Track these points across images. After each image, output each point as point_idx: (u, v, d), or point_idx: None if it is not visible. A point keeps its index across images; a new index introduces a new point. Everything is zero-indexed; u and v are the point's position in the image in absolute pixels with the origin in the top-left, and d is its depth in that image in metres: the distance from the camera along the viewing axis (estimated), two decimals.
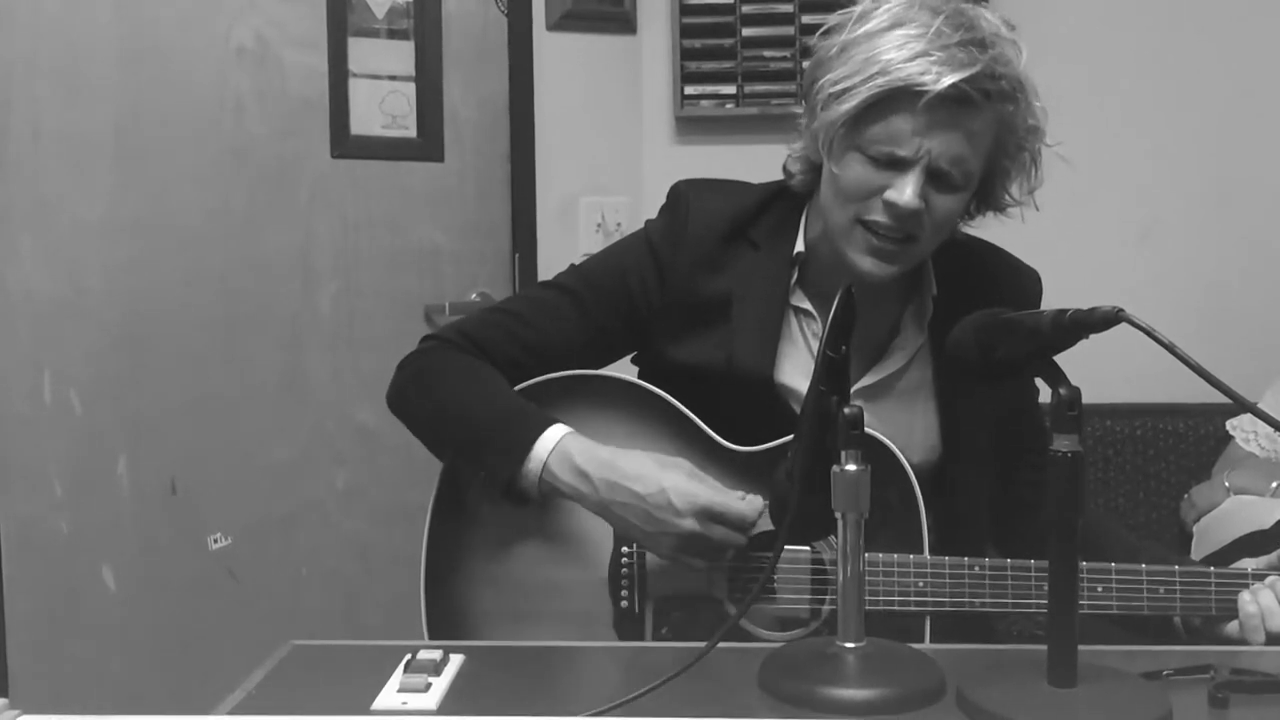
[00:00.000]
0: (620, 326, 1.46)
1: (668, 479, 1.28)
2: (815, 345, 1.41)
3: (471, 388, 1.40)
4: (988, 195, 1.39)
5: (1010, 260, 1.52)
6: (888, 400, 1.44)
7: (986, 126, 1.30)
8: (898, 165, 1.29)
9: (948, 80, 1.23)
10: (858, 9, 1.32)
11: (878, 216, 1.31)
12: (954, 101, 1.25)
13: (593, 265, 1.49)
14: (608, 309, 1.45)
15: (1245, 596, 1.29)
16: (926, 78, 1.23)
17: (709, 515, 1.27)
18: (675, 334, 1.43)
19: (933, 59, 1.24)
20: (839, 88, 1.28)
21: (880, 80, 1.25)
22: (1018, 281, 1.50)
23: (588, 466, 1.30)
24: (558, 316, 1.45)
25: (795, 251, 1.43)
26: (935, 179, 1.29)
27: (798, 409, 1.35)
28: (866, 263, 1.33)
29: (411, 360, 1.46)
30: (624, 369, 1.48)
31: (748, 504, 1.28)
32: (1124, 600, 1.30)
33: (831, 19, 1.35)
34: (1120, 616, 1.31)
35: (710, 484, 1.29)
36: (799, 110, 1.41)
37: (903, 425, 1.42)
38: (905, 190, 1.28)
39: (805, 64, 1.42)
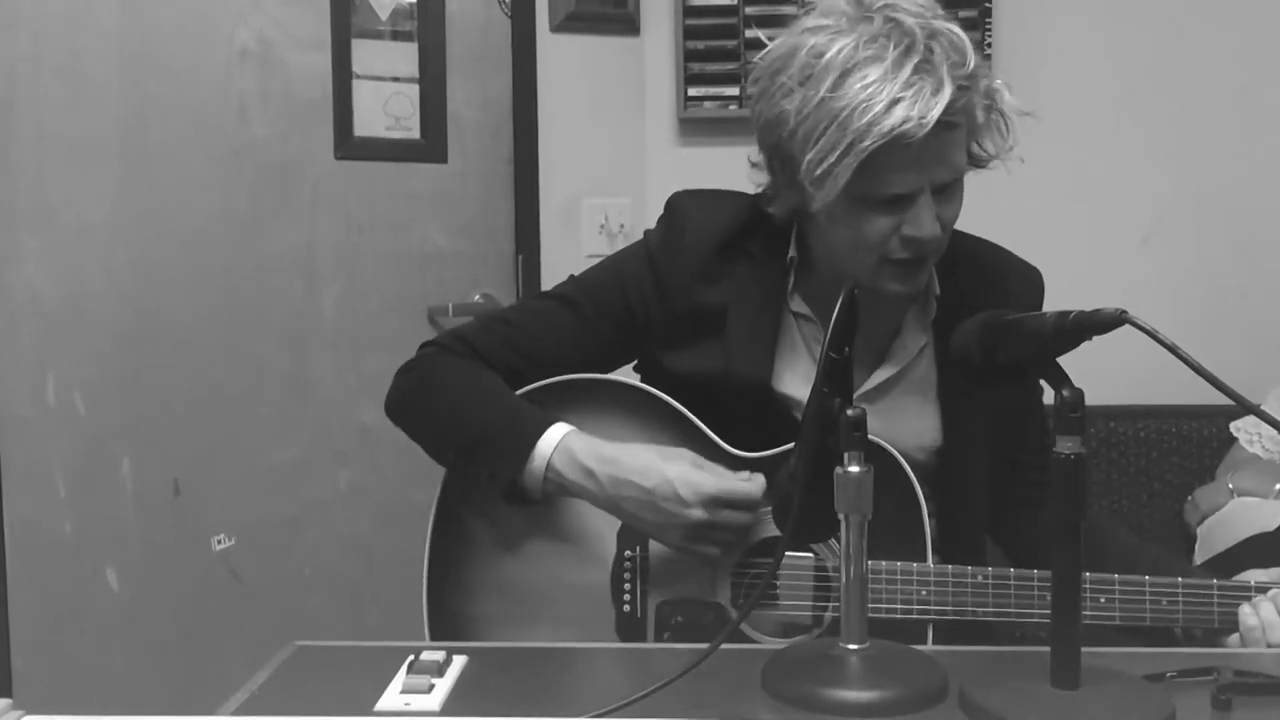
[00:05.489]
0: (618, 336, 1.46)
1: (672, 470, 1.29)
2: (816, 350, 1.41)
3: (472, 390, 1.41)
4: (969, 158, 1.36)
5: (1012, 259, 1.52)
6: (892, 400, 1.44)
7: (963, 125, 1.30)
8: (906, 199, 1.28)
9: (932, 117, 1.21)
10: (797, 65, 1.26)
11: (901, 254, 1.31)
12: (940, 128, 1.23)
13: (592, 275, 1.49)
14: (606, 319, 1.45)
15: (1246, 609, 1.29)
16: (909, 125, 1.20)
17: (715, 502, 1.28)
18: (673, 344, 1.43)
19: (905, 101, 1.20)
20: (822, 169, 1.25)
21: (863, 145, 1.22)
22: (1020, 280, 1.50)
23: (592, 463, 1.30)
24: (556, 326, 1.45)
25: (789, 257, 1.43)
26: (940, 192, 1.30)
27: (798, 415, 1.35)
28: (897, 287, 1.35)
29: (411, 367, 1.47)
30: (626, 375, 1.48)
31: (753, 484, 1.29)
32: (1127, 611, 1.30)
33: (760, 64, 1.31)
34: (1122, 626, 1.31)
35: (713, 469, 1.30)
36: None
37: (906, 425, 1.42)
38: (924, 225, 1.28)
39: (750, 91, 1.36)
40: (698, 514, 1.27)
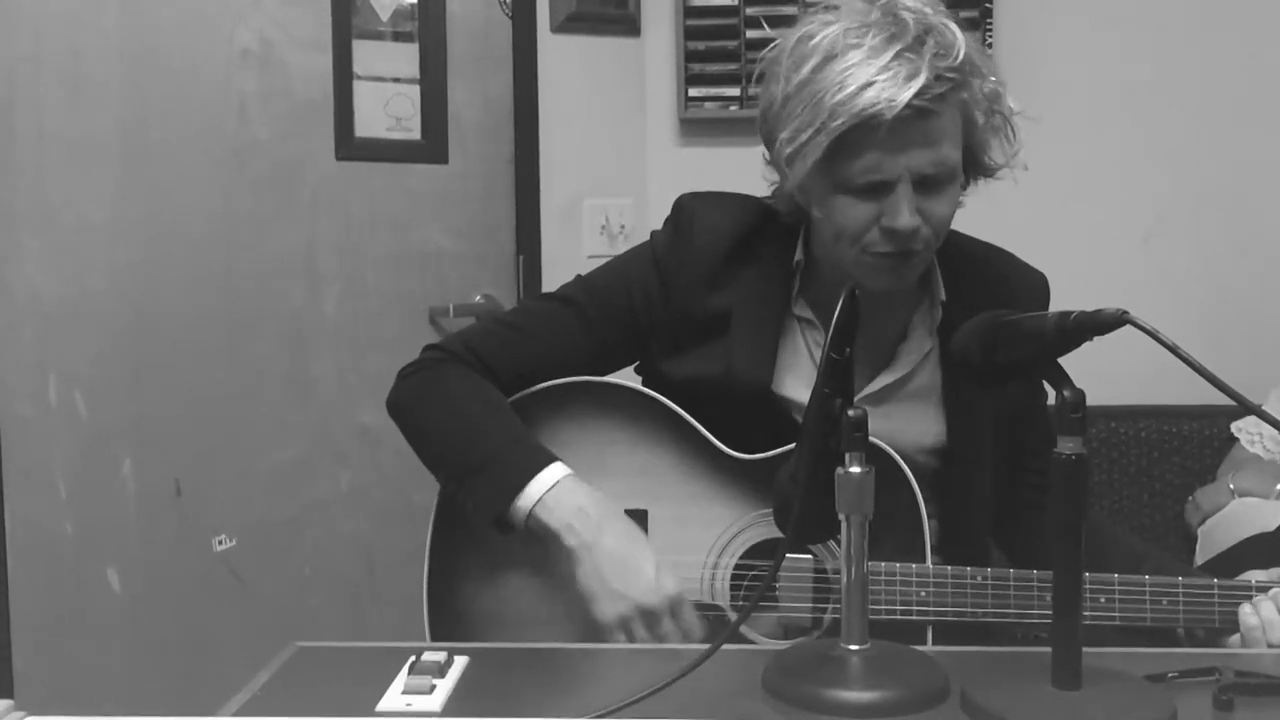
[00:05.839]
0: (622, 339, 1.45)
1: (655, 555, 1.29)
2: (818, 354, 1.41)
3: (471, 411, 1.39)
4: (973, 165, 1.37)
5: (1018, 264, 1.51)
6: (897, 404, 1.43)
7: (952, 118, 1.29)
8: (884, 188, 1.28)
9: (902, 100, 1.21)
10: (787, 52, 1.29)
11: (882, 247, 1.30)
12: (915, 114, 1.23)
13: (596, 277, 1.48)
14: (610, 321, 1.44)
15: (1246, 609, 1.28)
16: (879, 106, 1.21)
17: (675, 606, 1.28)
18: (676, 347, 1.43)
19: (878, 84, 1.21)
20: (793, 147, 1.27)
21: (834, 124, 1.23)
22: (1026, 286, 1.50)
23: (583, 511, 1.30)
24: (560, 328, 1.45)
25: (795, 260, 1.42)
26: (923, 186, 1.28)
27: (799, 418, 1.35)
28: (883, 282, 1.34)
29: (413, 370, 1.46)
30: (627, 377, 1.48)
31: (699, 621, 1.29)
32: (1127, 611, 1.30)
33: (761, 62, 1.34)
34: (1123, 627, 1.31)
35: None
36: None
37: (909, 429, 1.42)
38: (900, 214, 1.27)
39: (756, 89, 1.39)
40: (653, 600, 1.27)
